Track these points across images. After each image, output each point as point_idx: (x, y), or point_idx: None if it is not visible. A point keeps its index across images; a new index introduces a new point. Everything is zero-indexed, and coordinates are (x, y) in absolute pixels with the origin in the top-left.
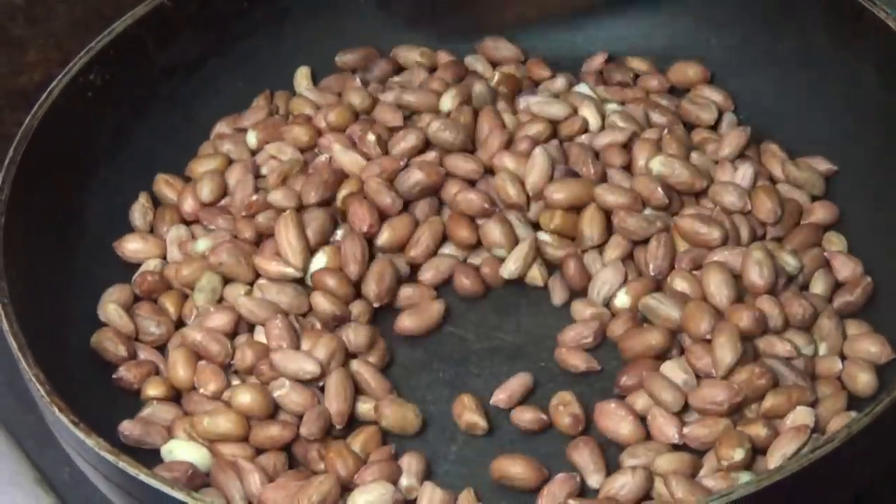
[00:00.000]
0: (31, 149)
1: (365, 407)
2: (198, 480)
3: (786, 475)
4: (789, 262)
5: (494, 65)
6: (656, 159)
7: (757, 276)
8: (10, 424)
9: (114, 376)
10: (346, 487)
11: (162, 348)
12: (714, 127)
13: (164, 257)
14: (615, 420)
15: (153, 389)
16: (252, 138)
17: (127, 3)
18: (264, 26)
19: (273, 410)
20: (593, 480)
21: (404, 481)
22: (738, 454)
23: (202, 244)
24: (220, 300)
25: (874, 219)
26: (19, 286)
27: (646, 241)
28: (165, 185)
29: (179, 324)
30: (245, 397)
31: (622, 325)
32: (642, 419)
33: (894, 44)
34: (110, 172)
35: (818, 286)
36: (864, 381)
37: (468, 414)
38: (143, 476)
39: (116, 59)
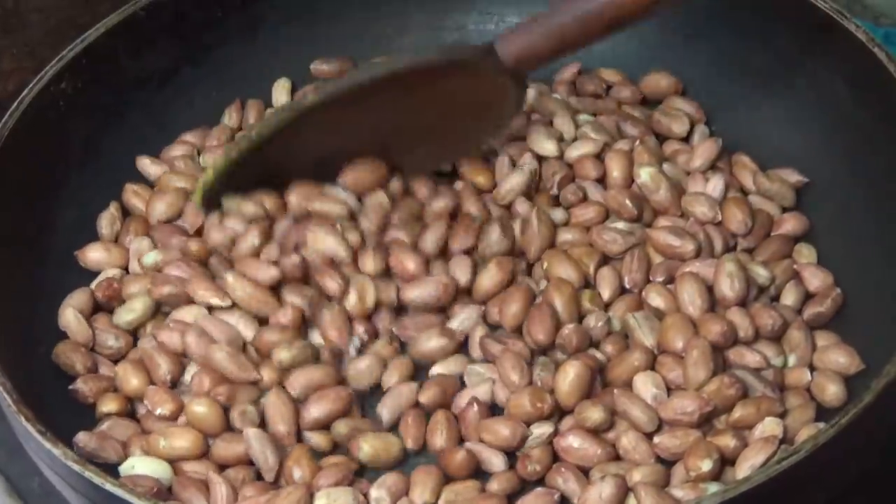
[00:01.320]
0: (1, 157)
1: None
2: (162, 497)
3: (753, 485)
4: (760, 273)
5: None
6: (646, 169)
7: (728, 288)
8: None
9: (70, 387)
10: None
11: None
12: (686, 139)
13: (125, 268)
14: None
15: (107, 406)
16: (203, 161)
17: (102, 13)
18: (238, 35)
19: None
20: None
21: (374, 492)
22: (706, 465)
23: (151, 257)
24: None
25: (844, 230)
26: None
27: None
28: (134, 196)
29: None
30: (200, 409)
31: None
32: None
33: (864, 56)
34: (81, 182)
35: (789, 297)
36: (832, 392)
37: None
38: (108, 486)
39: (88, 67)
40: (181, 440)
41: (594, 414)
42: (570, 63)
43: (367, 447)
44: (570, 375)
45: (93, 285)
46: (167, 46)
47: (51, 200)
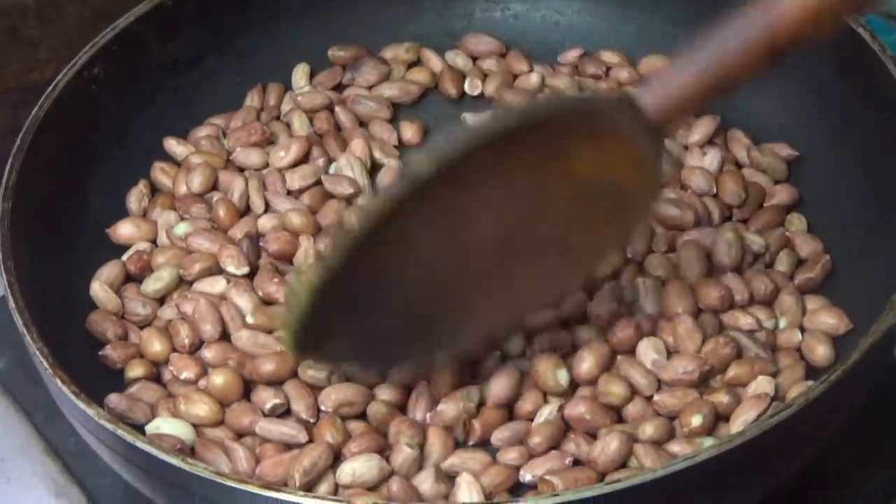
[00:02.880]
0: (36, 138)
1: None
2: (186, 454)
3: (747, 439)
4: (756, 241)
5: (474, 59)
6: None
7: (724, 255)
8: (21, 399)
9: (99, 353)
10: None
11: None
12: None
13: (154, 241)
14: None
15: (134, 371)
16: (227, 143)
17: (132, 4)
18: (260, 23)
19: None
20: None
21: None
22: (697, 419)
23: (181, 228)
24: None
25: (832, 200)
26: (25, 266)
27: None
28: (161, 173)
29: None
30: (218, 379)
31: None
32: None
33: (848, 37)
34: (113, 161)
35: (782, 264)
36: (821, 352)
37: None
38: (139, 443)
39: (119, 54)
40: (199, 409)
41: (616, 388)
42: (573, 46)
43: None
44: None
45: (124, 258)
46: (193, 34)
47: (84, 179)
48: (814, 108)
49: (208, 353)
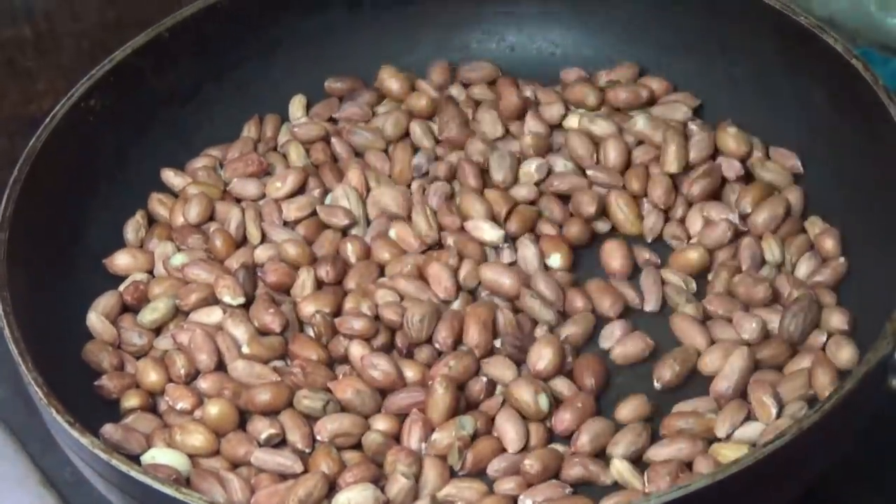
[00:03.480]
0: (34, 169)
1: None
2: (181, 484)
3: (741, 468)
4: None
5: (466, 86)
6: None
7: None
8: (17, 430)
9: (95, 383)
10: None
11: None
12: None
13: (151, 272)
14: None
15: (129, 401)
16: (224, 174)
17: (129, 36)
18: (257, 55)
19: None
20: None
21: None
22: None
23: (178, 259)
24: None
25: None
26: (21, 296)
27: None
28: (159, 204)
29: None
30: (213, 409)
31: None
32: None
33: (843, 68)
34: (110, 192)
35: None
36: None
37: None
38: (133, 473)
39: (116, 85)
40: (194, 439)
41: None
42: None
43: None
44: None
45: (121, 288)
46: (190, 66)
47: (81, 209)
48: (806, 138)
49: (204, 384)
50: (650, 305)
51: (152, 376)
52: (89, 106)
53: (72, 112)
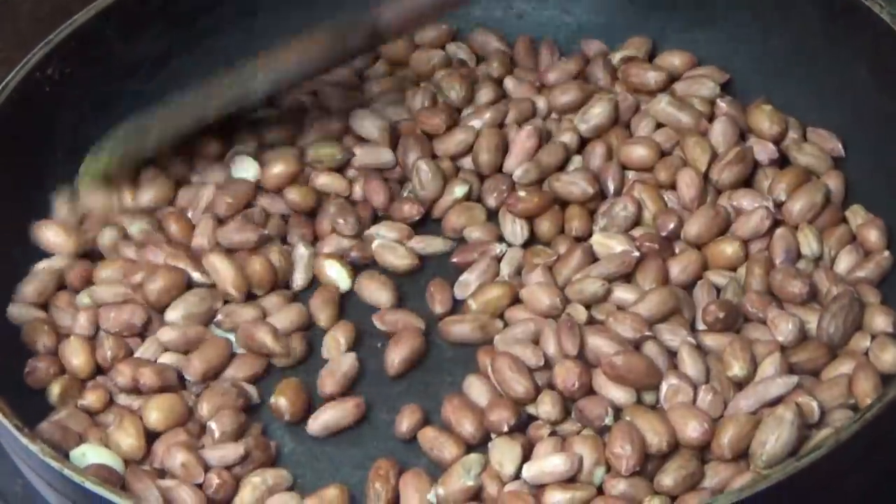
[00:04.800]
0: None
1: None
2: (117, 486)
3: (778, 479)
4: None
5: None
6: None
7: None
8: None
9: (26, 370)
10: None
11: None
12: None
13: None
14: None
15: (58, 386)
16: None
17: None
18: (235, 21)
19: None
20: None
21: None
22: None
23: (136, 227)
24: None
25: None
26: None
27: None
28: None
29: None
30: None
31: None
32: None
33: (888, 40)
34: (69, 169)
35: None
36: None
37: None
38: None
39: (77, 53)
40: (123, 442)
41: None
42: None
43: None
44: None
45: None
46: (160, 31)
47: (37, 189)
48: (847, 115)
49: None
50: None
51: (75, 361)
52: (46, 75)
53: (25, 82)
